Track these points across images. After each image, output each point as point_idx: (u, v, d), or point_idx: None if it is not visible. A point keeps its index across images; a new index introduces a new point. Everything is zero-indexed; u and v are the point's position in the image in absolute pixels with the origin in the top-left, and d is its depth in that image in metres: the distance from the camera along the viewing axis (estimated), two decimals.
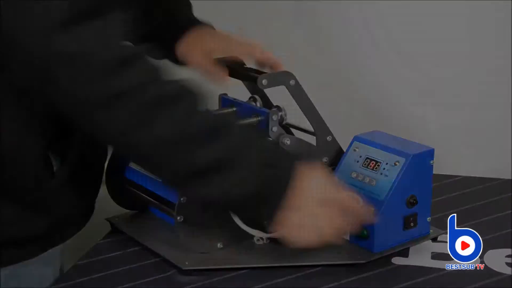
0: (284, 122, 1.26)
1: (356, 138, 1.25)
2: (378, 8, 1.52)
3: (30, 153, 1.07)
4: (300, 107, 1.24)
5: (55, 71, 0.93)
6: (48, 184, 1.10)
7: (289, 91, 1.23)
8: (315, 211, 1.07)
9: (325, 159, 1.27)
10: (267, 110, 1.23)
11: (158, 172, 1.07)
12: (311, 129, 1.27)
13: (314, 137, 1.27)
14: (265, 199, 1.05)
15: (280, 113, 1.24)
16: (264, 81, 1.20)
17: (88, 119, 0.98)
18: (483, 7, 1.49)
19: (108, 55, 0.95)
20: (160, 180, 1.12)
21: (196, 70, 1.28)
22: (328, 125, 1.31)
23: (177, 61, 1.31)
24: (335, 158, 1.26)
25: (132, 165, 1.24)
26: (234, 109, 1.28)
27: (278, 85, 1.22)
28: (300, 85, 1.23)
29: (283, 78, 1.22)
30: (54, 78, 0.93)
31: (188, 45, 1.29)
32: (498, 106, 1.53)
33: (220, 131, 1.02)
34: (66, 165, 1.12)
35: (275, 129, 1.23)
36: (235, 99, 1.29)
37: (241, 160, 1.03)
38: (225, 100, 1.30)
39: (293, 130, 1.32)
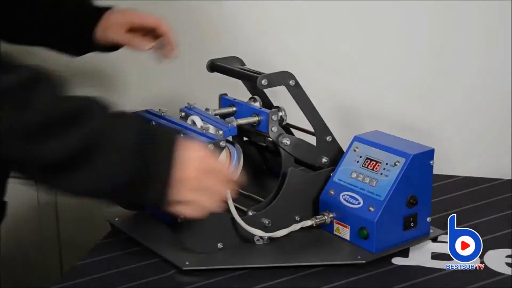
0: (284, 123, 1.26)
1: (356, 138, 1.25)
2: (385, 4, 1.52)
3: None
4: (300, 107, 1.24)
5: None
6: None
7: (289, 91, 1.23)
8: (196, 185, 1.03)
9: (325, 159, 1.27)
10: (267, 110, 1.23)
11: (14, 168, 0.99)
12: (311, 129, 1.27)
13: (314, 137, 1.27)
14: (144, 183, 0.99)
15: (280, 114, 1.25)
16: (264, 81, 1.20)
17: None
18: (483, 7, 1.49)
19: None
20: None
21: (121, 46, 1.33)
22: (328, 125, 1.31)
23: (97, 47, 1.34)
24: (335, 158, 1.26)
25: None
26: (234, 109, 1.28)
27: (278, 85, 1.22)
28: (300, 85, 1.23)
29: (283, 78, 1.22)
30: None
31: (105, 26, 1.31)
32: (498, 106, 1.53)
33: (78, 117, 0.94)
34: None
35: (274, 129, 1.23)
36: (235, 99, 1.29)
37: (106, 147, 0.96)
38: (225, 100, 1.30)
39: (293, 130, 1.32)
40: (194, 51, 1.57)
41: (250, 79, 1.23)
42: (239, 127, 1.23)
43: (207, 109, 1.26)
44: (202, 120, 1.22)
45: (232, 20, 1.62)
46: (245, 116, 1.25)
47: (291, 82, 1.23)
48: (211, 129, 1.19)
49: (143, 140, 0.99)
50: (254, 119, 1.24)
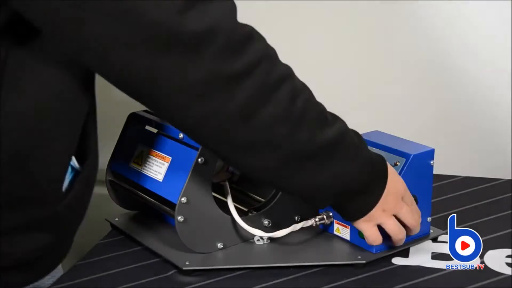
0: None
1: None
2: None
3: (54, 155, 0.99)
4: None
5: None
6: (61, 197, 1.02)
7: None
8: (392, 212, 1.11)
9: None
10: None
11: (265, 159, 0.99)
12: None
13: None
14: (363, 194, 1.07)
15: None
16: None
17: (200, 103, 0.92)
18: (483, 6, 1.49)
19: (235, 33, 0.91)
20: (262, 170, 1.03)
21: None
22: None
23: None
24: None
25: (132, 165, 1.24)
26: None
27: None
28: None
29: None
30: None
31: None
32: (498, 106, 1.53)
33: (327, 117, 1.02)
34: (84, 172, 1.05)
35: None
36: None
37: (349, 145, 1.03)
38: None
39: None
40: None
41: None
42: None
43: None
44: None
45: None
46: None
47: None
48: None
49: (371, 157, 1.07)
50: None
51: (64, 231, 1.08)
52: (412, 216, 1.13)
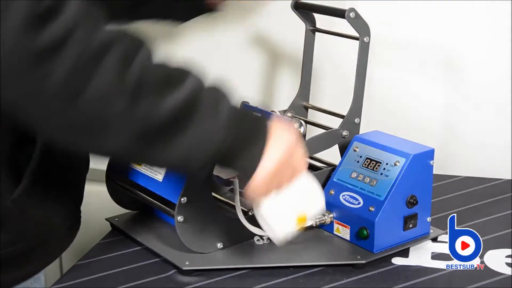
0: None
1: (356, 138, 1.25)
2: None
3: None
4: (356, 70, 1.26)
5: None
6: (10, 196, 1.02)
7: (359, 46, 1.24)
8: (281, 166, 1.00)
9: (345, 132, 1.27)
10: (289, 118, 1.24)
11: (110, 140, 0.88)
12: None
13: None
14: (239, 149, 0.96)
15: (301, 126, 1.24)
16: (352, 14, 1.22)
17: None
18: (483, 6, 1.49)
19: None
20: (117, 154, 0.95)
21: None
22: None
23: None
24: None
25: (133, 165, 1.24)
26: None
27: (358, 30, 1.23)
28: (368, 48, 1.25)
29: (365, 29, 1.24)
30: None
31: None
32: (498, 106, 1.53)
33: (172, 79, 0.90)
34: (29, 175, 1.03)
35: None
36: (256, 106, 1.30)
37: (206, 108, 0.91)
38: (246, 107, 1.31)
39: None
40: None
41: (336, 12, 1.25)
42: None
43: None
44: None
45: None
46: None
47: (366, 39, 1.24)
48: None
49: (237, 110, 0.95)
50: None
51: (23, 230, 1.05)
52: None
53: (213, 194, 1.18)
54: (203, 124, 0.91)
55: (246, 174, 0.99)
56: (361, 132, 1.28)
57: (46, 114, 0.84)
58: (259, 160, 0.97)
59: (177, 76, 0.90)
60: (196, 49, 1.60)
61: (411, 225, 1.19)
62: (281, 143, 0.99)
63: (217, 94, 0.94)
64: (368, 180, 1.19)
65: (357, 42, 1.25)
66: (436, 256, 1.18)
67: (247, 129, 0.96)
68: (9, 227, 1.03)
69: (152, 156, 0.91)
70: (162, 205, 1.19)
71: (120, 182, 1.26)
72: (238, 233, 1.19)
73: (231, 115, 0.93)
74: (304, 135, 1.30)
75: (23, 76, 0.81)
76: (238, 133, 0.94)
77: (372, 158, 1.21)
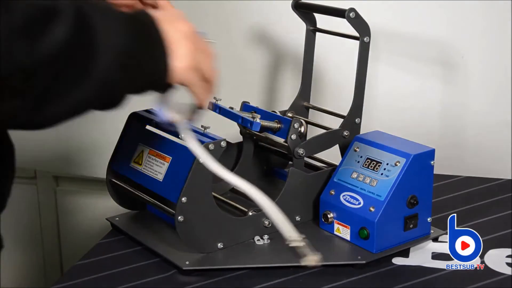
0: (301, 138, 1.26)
1: (357, 138, 1.25)
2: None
3: None
4: (356, 70, 1.26)
5: None
6: None
7: (359, 46, 1.24)
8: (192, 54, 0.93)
9: (346, 132, 1.27)
10: (289, 118, 1.24)
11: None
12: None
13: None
14: (144, 50, 0.88)
15: (302, 126, 1.24)
16: (352, 14, 1.22)
17: None
18: (483, 6, 1.49)
19: None
20: None
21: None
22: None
23: None
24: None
25: (133, 165, 1.24)
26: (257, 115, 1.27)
27: (358, 30, 1.23)
28: (369, 48, 1.25)
29: (365, 29, 1.24)
30: None
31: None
32: (498, 106, 1.53)
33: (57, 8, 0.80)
34: None
35: (294, 137, 1.23)
36: (256, 107, 1.30)
37: (98, 21, 0.83)
38: (247, 107, 1.31)
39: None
40: None
41: (337, 12, 1.25)
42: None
43: (231, 108, 1.26)
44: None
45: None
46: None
47: (366, 39, 1.24)
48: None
49: (126, 14, 0.88)
50: (276, 125, 1.25)
51: None
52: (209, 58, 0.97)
53: (213, 194, 1.18)
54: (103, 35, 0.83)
55: (162, 75, 0.91)
56: (361, 132, 1.28)
57: None
58: (168, 57, 0.90)
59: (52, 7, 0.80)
60: None
61: (411, 226, 1.19)
62: (180, 34, 0.92)
63: (93, 7, 0.85)
64: (369, 180, 1.19)
65: (357, 42, 1.25)
66: (436, 256, 1.18)
67: (141, 29, 0.89)
68: None
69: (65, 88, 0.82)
70: (162, 205, 1.19)
71: (120, 182, 1.26)
72: (238, 233, 1.19)
73: (122, 20, 0.86)
74: (305, 135, 1.30)
75: None
76: (136, 35, 0.87)
77: (372, 158, 1.21)
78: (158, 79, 0.91)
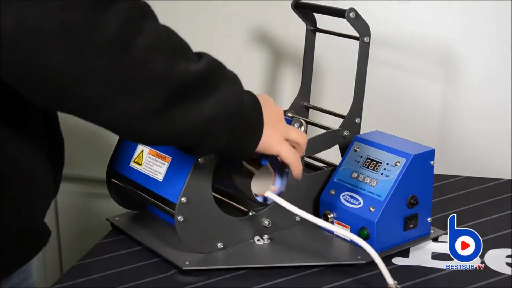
0: None
1: (357, 138, 1.25)
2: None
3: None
4: (356, 70, 1.26)
5: None
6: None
7: (359, 46, 1.24)
8: (283, 134, 1.08)
9: (346, 132, 1.27)
10: (289, 118, 1.24)
11: (152, 95, 0.88)
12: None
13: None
14: (250, 117, 1.01)
15: (302, 126, 1.24)
16: (352, 14, 1.22)
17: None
18: (483, 6, 1.49)
19: None
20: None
21: None
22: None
23: None
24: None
25: (133, 165, 1.24)
26: None
27: (358, 30, 1.23)
28: (369, 48, 1.25)
29: (364, 28, 1.24)
30: None
31: None
32: (498, 106, 1.53)
33: (193, 53, 0.95)
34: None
35: None
36: None
37: (224, 76, 0.97)
38: None
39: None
40: None
41: (336, 12, 1.25)
42: None
43: None
44: None
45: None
46: None
47: (366, 39, 1.24)
48: None
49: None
50: None
51: None
52: (301, 136, 1.11)
53: (213, 194, 1.18)
54: (226, 87, 0.96)
55: (251, 147, 1.04)
56: (361, 132, 1.28)
57: (90, 70, 0.83)
58: (262, 129, 1.03)
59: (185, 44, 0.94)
60: (196, 48, 1.60)
61: (411, 226, 1.19)
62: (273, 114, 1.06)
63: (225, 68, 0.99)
64: (369, 180, 1.19)
65: (357, 42, 1.25)
66: (436, 256, 1.18)
67: (251, 99, 1.02)
68: None
69: (180, 119, 0.92)
70: (162, 205, 1.19)
71: (120, 182, 1.26)
72: (238, 233, 1.19)
73: (240, 84, 0.99)
74: None
75: (71, 32, 0.81)
76: (248, 101, 1.00)
77: (372, 158, 1.21)
78: (248, 149, 1.04)
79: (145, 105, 0.88)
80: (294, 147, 1.10)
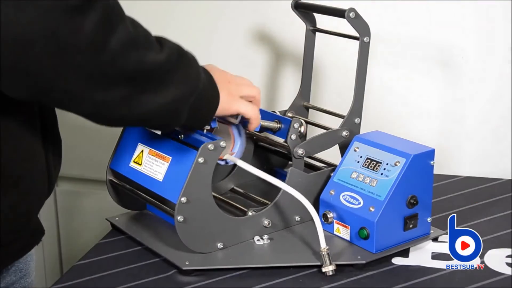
0: (301, 137, 1.26)
1: (357, 138, 1.25)
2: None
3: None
4: (356, 70, 1.26)
5: None
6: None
7: (359, 46, 1.24)
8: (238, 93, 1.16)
9: (345, 133, 1.27)
10: (289, 118, 1.24)
11: (124, 86, 0.97)
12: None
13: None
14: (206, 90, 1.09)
15: (302, 126, 1.24)
16: (352, 14, 1.22)
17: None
18: (482, 6, 1.49)
19: None
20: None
21: None
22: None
23: None
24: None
25: (133, 165, 1.24)
26: None
27: (358, 30, 1.24)
28: (369, 48, 1.25)
29: (364, 28, 1.24)
30: None
31: None
32: (498, 106, 1.53)
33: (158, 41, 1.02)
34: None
35: (294, 137, 1.22)
36: None
37: (186, 56, 1.06)
38: None
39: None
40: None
41: (336, 12, 1.25)
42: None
43: None
44: None
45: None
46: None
47: (366, 39, 1.24)
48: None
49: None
50: (276, 125, 1.25)
51: None
52: (255, 89, 1.20)
53: (213, 194, 1.18)
54: (187, 69, 1.05)
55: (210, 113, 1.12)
56: (361, 132, 1.28)
57: (70, 68, 0.90)
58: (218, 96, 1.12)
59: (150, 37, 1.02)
60: (196, 48, 1.60)
61: (411, 226, 1.19)
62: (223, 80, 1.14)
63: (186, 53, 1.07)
64: (369, 180, 1.19)
65: (357, 42, 1.25)
66: (436, 256, 1.18)
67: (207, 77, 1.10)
68: None
69: (148, 103, 0.99)
70: (162, 205, 1.19)
71: (120, 182, 1.26)
72: (238, 233, 1.19)
73: (196, 63, 1.08)
74: (304, 135, 1.30)
75: (55, 32, 0.87)
76: (204, 77, 1.08)
77: (372, 158, 1.21)
78: (208, 117, 1.12)
79: (119, 94, 0.96)
80: (250, 101, 1.18)
